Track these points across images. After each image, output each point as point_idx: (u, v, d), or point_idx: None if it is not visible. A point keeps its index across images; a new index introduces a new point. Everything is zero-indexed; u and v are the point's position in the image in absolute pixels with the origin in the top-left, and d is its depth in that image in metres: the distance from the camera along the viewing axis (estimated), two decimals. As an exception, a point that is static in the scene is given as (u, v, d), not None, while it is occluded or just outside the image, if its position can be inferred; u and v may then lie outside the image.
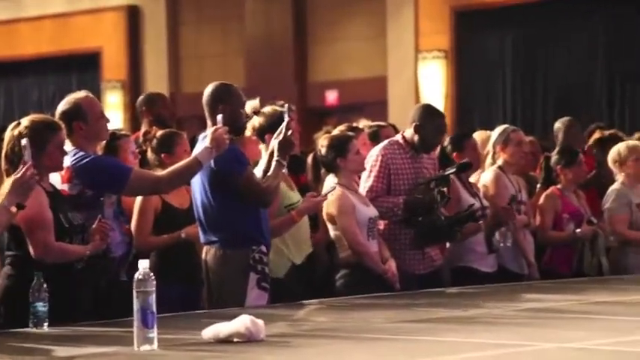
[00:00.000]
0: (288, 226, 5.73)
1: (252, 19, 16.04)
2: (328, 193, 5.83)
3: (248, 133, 5.78)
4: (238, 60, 16.00)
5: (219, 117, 5.13)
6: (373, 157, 6.27)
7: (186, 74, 16.63)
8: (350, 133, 6.36)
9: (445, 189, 6.26)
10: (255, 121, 5.77)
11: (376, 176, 6.21)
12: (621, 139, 7.99)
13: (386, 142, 6.40)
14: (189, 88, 16.10)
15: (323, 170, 6.26)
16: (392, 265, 6.02)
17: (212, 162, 5.19)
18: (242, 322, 3.98)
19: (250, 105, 5.68)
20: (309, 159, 6.59)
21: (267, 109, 5.89)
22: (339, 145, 6.05)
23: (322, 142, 6.22)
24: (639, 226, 7.16)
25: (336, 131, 6.83)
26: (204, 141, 5.15)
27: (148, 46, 16.71)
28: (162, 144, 6.01)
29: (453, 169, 6.38)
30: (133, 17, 16.73)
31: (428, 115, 6.34)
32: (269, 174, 5.38)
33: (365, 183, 6.24)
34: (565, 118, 8.42)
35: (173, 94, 15.56)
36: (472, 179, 6.91)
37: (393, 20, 15.23)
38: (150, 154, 6.07)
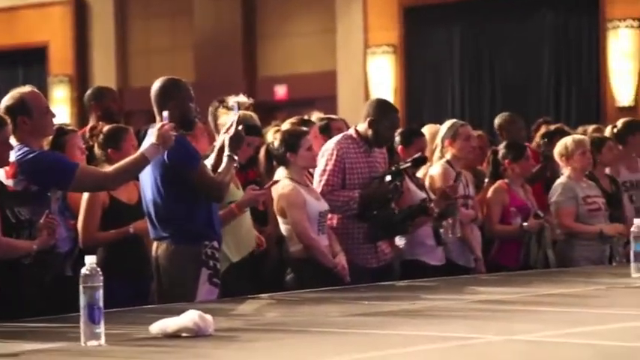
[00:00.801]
0: (229, 220, 5.68)
1: (201, 14, 15.97)
2: (269, 186, 5.81)
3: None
4: (187, 54, 15.92)
5: (165, 113, 5.11)
6: (328, 150, 6.27)
7: (134, 69, 16.51)
8: (304, 129, 6.35)
9: (400, 183, 6.30)
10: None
11: (332, 170, 6.21)
12: (567, 133, 8.08)
13: (340, 136, 6.40)
14: (138, 83, 15.99)
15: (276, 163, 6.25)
16: (342, 258, 6.03)
17: (165, 156, 5.16)
18: (190, 317, 3.96)
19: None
20: (262, 151, 6.58)
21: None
22: (291, 140, 6.04)
23: (275, 135, 6.21)
24: (585, 219, 7.24)
25: (286, 124, 6.80)
26: (151, 137, 5.12)
27: (96, 40, 16.56)
28: (108, 139, 5.97)
29: (409, 164, 6.41)
30: (81, 11, 16.58)
31: (383, 110, 6.37)
32: (221, 169, 5.36)
33: (320, 177, 6.24)
34: (505, 114, 8.47)
35: (121, 88, 15.45)
36: (419, 174, 6.94)
37: (342, 15, 15.25)
38: (97, 150, 6.02)
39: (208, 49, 15.78)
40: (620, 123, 8.11)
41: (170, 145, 5.04)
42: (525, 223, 7.15)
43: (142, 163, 5.04)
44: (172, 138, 5.05)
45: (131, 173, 5.14)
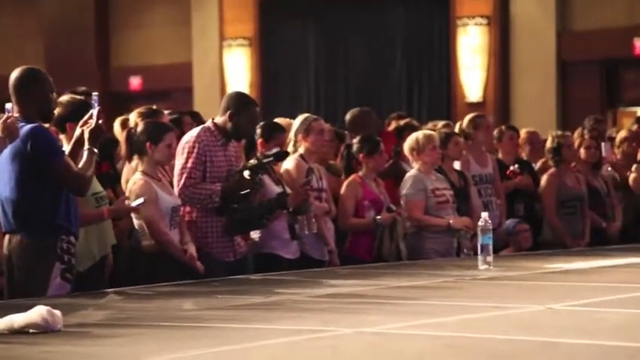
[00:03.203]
0: (96, 221, 5.78)
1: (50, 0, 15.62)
2: (139, 204, 5.80)
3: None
4: (36, 42, 15.54)
5: (8, 105, 5.00)
6: (189, 143, 6.21)
7: (-20, 57, 15.99)
8: (170, 125, 6.29)
9: (261, 177, 6.32)
10: (55, 111, 5.65)
11: (193, 162, 6.17)
12: (417, 128, 8.26)
13: (199, 129, 6.36)
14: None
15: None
16: (191, 248, 6.04)
17: (28, 147, 5.06)
18: (38, 312, 3.89)
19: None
20: (123, 136, 6.48)
21: (66, 97, 5.80)
22: (155, 132, 5.99)
23: (139, 122, 6.14)
24: (434, 211, 7.42)
25: (134, 114, 6.67)
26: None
27: (-61, 26, 15.98)
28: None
29: (271, 158, 6.42)
30: None
31: (242, 103, 6.36)
32: (83, 163, 5.28)
33: (181, 170, 6.18)
34: (356, 109, 8.59)
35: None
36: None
37: (198, 7, 15.18)
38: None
39: (59, 37, 15.45)
40: (465, 119, 8.36)
41: (15, 137, 4.94)
42: (378, 217, 7.28)
43: (-12, 158, 4.92)
44: (18, 130, 4.95)
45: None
